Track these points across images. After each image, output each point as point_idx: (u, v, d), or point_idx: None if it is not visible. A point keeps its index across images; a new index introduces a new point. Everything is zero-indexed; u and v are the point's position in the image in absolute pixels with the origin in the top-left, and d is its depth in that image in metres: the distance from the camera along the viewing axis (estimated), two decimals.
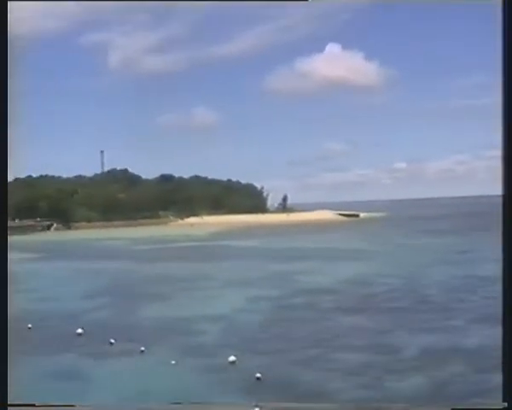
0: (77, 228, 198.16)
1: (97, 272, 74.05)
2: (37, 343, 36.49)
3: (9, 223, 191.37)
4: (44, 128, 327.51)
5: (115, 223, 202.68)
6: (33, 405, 15.35)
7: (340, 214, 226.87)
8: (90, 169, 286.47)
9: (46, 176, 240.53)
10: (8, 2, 6.78)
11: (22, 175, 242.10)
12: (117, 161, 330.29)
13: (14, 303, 51.01)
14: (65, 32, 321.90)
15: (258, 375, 26.64)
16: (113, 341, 35.80)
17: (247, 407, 19.30)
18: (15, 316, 45.47)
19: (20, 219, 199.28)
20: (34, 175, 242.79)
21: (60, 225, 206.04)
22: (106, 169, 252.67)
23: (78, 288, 60.56)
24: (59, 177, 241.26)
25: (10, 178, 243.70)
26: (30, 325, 40.81)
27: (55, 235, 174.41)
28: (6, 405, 6.74)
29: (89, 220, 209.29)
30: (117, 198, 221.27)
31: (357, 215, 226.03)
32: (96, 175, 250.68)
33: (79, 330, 38.67)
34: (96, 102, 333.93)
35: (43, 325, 42.03)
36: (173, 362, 30.39)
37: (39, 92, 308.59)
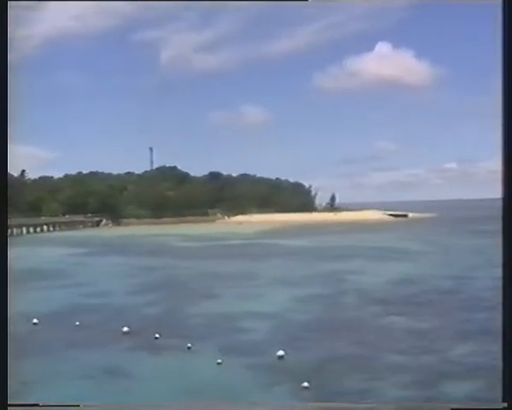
0: (126, 224, 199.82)
1: (146, 269, 74.51)
2: (85, 339, 36.76)
3: (60, 218, 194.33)
4: (94, 125, 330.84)
5: (164, 220, 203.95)
6: (36, 405, 15.34)
7: (389, 214, 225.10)
8: (139, 166, 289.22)
9: (96, 172, 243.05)
10: (8, 2, 6.69)
11: (73, 172, 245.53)
12: (166, 158, 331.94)
13: (65, 299, 51.88)
14: (117, 29, 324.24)
15: (306, 384, 26.16)
16: (159, 337, 35.92)
17: (253, 406, 19.12)
18: (63, 312, 46.10)
19: (70, 214, 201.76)
20: (84, 171, 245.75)
21: (109, 222, 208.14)
22: (155, 166, 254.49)
23: (127, 284, 60.97)
24: (109, 173, 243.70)
25: (60, 174, 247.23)
26: (78, 323, 41.13)
27: (105, 231, 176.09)
28: (6, 405, 6.59)
29: (138, 217, 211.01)
30: (166, 195, 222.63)
31: (406, 215, 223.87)
32: (145, 172, 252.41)
33: (126, 329, 38.87)
34: (146, 99, 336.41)
35: (91, 321, 42.32)
36: (219, 360, 30.32)
37: (90, 90, 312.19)
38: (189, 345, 33.40)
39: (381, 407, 19.51)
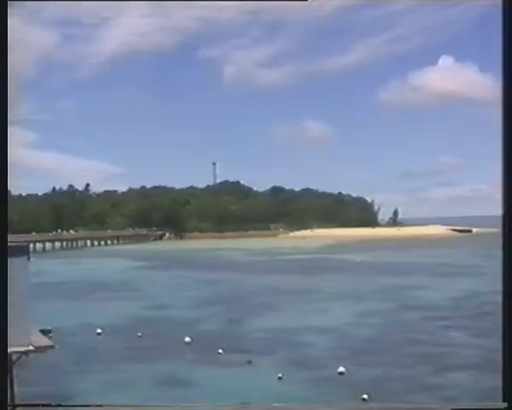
0: (189, 238, 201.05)
1: (208, 282, 74.84)
2: (148, 351, 37.11)
3: (124, 232, 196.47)
4: (158, 139, 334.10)
5: (227, 234, 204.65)
6: (39, 405, 15.49)
7: (453, 229, 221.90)
8: (202, 180, 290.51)
9: (160, 187, 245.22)
10: (8, 2, 6.72)
11: (136, 186, 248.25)
12: (229, 172, 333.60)
13: (127, 311, 52.49)
14: (181, 46, 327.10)
15: (365, 396, 25.86)
16: (221, 351, 36.03)
17: (253, 406, 19.01)
18: (127, 324, 46.63)
19: (134, 228, 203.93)
20: (148, 186, 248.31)
21: (172, 235, 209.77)
22: (218, 181, 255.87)
23: (189, 297, 61.32)
24: (172, 188, 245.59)
25: (124, 188, 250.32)
26: (140, 334, 41.61)
27: (168, 244, 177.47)
28: (6, 405, 6.63)
29: (201, 231, 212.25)
30: (229, 209, 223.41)
31: (470, 231, 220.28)
32: (208, 186, 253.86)
33: (188, 339, 39.13)
34: (210, 114, 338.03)
35: (153, 332, 42.72)
36: (280, 374, 30.26)
37: (154, 105, 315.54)
38: (250, 359, 33.44)
39: (380, 406, 19.31)
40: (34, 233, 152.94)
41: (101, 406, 14.69)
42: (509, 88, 6.19)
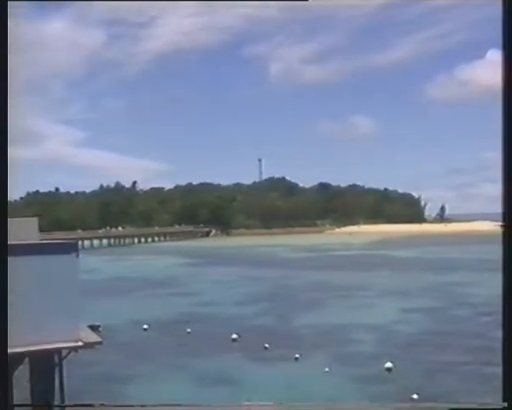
0: (235, 235, 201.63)
1: (255, 279, 74.97)
2: (196, 347, 37.30)
3: (170, 229, 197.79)
4: (204, 136, 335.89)
5: (273, 230, 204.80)
6: (37, 405, 15.66)
7: (501, 226, 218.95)
8: (248, 177, 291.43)
9: (206, 183, 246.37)
10: (8, 2, 6.72)
11: (183, 183, 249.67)
12: (275, 169, 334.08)
13: (174, 307, 52.85)
14: (225, 44, 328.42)
15: (415, 396, 25.60)
16: (268, 346, 36.08)
17: (254, 406, 18.97)
18: (176, 320, 46.92)
19: (181, 225, 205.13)
20: (194, 183, 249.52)
21: (218, 232, 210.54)
22: (264, 177, 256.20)
23: (236, 293, 61.51)
24: (218, 184, 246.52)
25: (171, 185, 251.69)
26: (189, 330, 41.91)
27: (214, 241, 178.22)
28: (6, 405, 6.68)
29: (247, 227, 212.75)
30: (275, 206, 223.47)
31: None
32: (254, 183, 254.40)
33: (234, 336, 39.26)
34: (256, 111, 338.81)
35: (200, 328, 42.95)
36: (327, 369, 30.21)
37: (200, 102, 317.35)
38: (297, 355, 33.43)
39: (380, 407, 19.09)
40: (80, 230, 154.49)
41: (103, 405, 14.86)
42: (510, 87, 6.10)
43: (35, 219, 23.81)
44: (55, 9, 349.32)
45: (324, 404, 18.75)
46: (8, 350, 17.54)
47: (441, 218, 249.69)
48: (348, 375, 30.10)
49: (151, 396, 26.23)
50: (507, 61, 6.16)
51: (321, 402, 23.35)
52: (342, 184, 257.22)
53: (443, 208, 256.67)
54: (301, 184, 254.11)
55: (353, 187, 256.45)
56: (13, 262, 18.55)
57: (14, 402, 20.81)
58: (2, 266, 6.57)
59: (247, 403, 21.65)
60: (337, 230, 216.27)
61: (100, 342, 19.72)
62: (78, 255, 19.52)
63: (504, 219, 6.50)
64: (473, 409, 12.26)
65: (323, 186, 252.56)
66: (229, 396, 26.56)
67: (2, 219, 6.41)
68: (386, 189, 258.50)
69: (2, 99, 6.45)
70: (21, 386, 20.44)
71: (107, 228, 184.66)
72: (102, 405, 17.85)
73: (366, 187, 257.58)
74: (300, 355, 33.34)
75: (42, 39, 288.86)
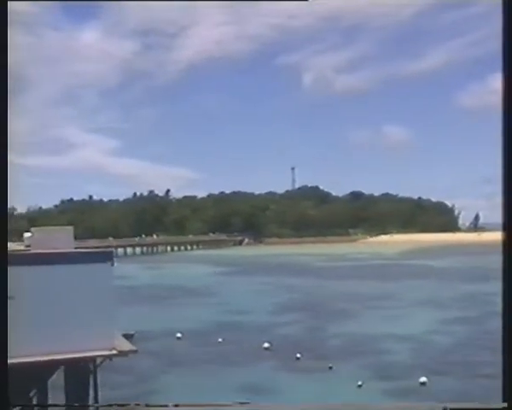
0: (268, 243, 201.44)
1: (287, 288, 74.93)
2: (229, 356, 37.40)
3: (203, 237, 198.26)
4: (237, 145, 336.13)
5: (305, 239, 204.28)
6: (36, 405, 15.73)
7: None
8: (281, 186, 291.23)
9: (238, 192, 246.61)
10: (8, 2, 6.80)
11: (216, 191, 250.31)
12: (308, 178, 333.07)
13: (207, 316, 52.92)
14: (256, 53, 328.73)
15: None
16: (300, 356, 36.06)
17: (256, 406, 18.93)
18: (209, 328, 47.08)
19: (213, 233, 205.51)
20: (227, 191, 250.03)
21: (251, 240, 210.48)
22: (297, 186, 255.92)
23: (269, 302, 61.50)
24: (251, 193, 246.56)
25: (204, 193, 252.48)
26: (221, 339, 42.05)
27: (247, 249, 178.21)
28: (6, 405, 6.76)
29: (280, 236, 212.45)
30: (308, 215, 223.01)
31: None
32: (287, 192, 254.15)
33: (266, 345, 39.30)
34: (289, 120, 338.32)
35: (232, 337, 43.03)
36: (360, 382, 30.12)
37: (232, 111, 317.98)
38: (330, 365, 33.38)
39: (380, 407, 18.99)
40: (111, 238, 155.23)
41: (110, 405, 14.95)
42: (509, 88, 6.12)
43: (70, 228, 24.11)
44: (88, 20, 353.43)
45: (325, 404, 18.62)
46: (44, 358, 17.80)
47: (475, 227, 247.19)
48: (381, 388, 29.95)
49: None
50: (507, 62, 6.19)
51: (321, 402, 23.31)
52: (375, 193, 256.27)
53: (477, 217, 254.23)
54: (334, 193, 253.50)
55: (386, 196, 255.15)
56: (49, 270, 18.83)
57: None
58: (1, 273, 6.68)
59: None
60: (369, 239, 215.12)
61: (134, 351, 19.88)
62: (113, 264, 19.73)
63: (504, 229, 6.52)
64: (473, 409, 12.20)
65: (356, 195, 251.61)
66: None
67: (3, 229, 6.50)
68: (419, 198, 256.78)
69: (2, 104, 6.56)
70: (57, 393, 20.70)
71: (142, 236, 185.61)
72: (137, 405, 17.99)
73: (399, 196, 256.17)
74: (333, 365, 33.29)
75: (75, 50, 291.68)
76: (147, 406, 17.61)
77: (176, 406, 10.34)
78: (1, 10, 6.58)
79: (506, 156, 6.27)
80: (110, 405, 14.61)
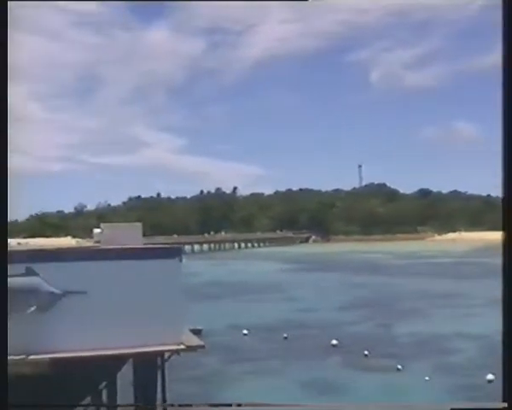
0: (335, 241, 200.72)
1: (355, 285, 74.57)
2: (297, 353, 37.39)
3: (270, 234, 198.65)
4: (303, 142, 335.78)
5: (373, 237, 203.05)
6: (35, 405, 15.76)
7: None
8: (348, 183, 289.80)
9: (305, 189, 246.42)
10: (8, 2, 6.79)
11: (282, 188, 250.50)
12: (375, 175, 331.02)
13: (274, 312, 53.01)
14: (322, 50, 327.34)
15: None
16: (367, 353, 35.84)
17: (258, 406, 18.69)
18: (276, 325, 47.12)
19: (280, 230, 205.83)
20: (294, 188, 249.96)
21: (318, 238, 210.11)
22: (364, 183, 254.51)
23: (336, 300, 61.29)
24: (318, 190, 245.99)
25: (271, 191, 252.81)
26: (285, 335, 42.05)
27: (314, 247, 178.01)
28: (6, 405, 6.76)
29: (346, 234, 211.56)
30: (376, 212, 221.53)
31: None
32: (353, 189, 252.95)
33: (334, 342, 39.17)
34: (356, 116, 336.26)
35: (300, 334, 43.00)
36: (427, 378, 29.77)
37: (299, 108, 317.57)
38: (398, 363, 33.11)
39: (380, 407, 18.62)
40: (175, 236, 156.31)
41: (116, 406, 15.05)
42: (510, 89, 5.98)
43: (139, 225, 24.42)
44: (157, 19, 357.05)
45: (325, 404, 18.43)
46: (113, 351, 18.05)
47: None
48: (449, 385, 29.57)
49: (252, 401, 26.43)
50: (507, 61, 6.05)
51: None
52: (443, 191, 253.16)
53: None
54: (401, 191, 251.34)
55: (455, 193, 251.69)
56: (119, 266, 19.12)
57: (118, 403, 21.47)
58: (2, 271, 6.72)
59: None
60: (438, 237, 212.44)
61: (202, 346, 20.01)
62: (181, 260, 19.88)
63: (504, 229, 6.37)
64: (473, 409, 11.97)
65: (424, 192, 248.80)
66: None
67: (2, 227, 6.53)
68: (488, 195, 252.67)
69: (3, 101, 6.61)
70: (125, 388, 20.98)
71: (211, 233, 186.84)
72: (211, 405, 18.11)
73: (468, 193, 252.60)
74: (402, 365, 32.99)
75: (144, 49, 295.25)
76: (210, 405, 17.74)
77: (239, 405, 10.39)
78: (1, 10, 6.64)
79: (506, 156, 6.15)
80: (22, 405, 14.73)
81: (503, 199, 6.29)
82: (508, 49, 6.07)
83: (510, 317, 6.28)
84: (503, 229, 6.46)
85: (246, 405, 17.78)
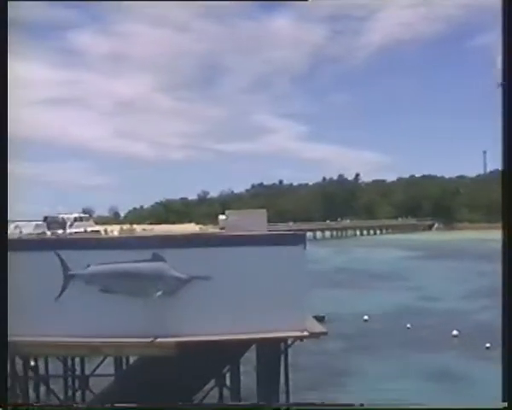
0: (459, 229, 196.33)
1: (479, 273, 72.95)
2: (416, 342, 37.17)
3: (392, 221, 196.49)
4: (427, 128, 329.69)
5: (499, 225, 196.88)
6: (32, 404, 15.85)
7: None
8: (472, 169, 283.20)
9: (429, 176, 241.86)
10: (8, 2, 6.90)
11: (405, 175, 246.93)
12: (500, 161, 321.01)
13: (396, 300, 52.69)
14: (446, 35, 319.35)
15: None
16: (489, 346, 35.14)
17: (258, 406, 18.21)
18: (396, 313, 46.86)
19: (402, 217, 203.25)
20: (417, 175, 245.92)
21: (441, 226, 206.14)
22: (488, 170, 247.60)
23: (460, 288, 60.33)
24: (441, 177, 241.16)
25: (393, 177, 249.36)
26: (409, 325, 41.76)
27: (437, 234, 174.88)
28: (6, 405, 6.90)
29: (471, 221, 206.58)
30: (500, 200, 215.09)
31: None
32: (478, 176, 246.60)
33: (455, 332, 38.63)
34: (481, 102, 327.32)
35: (421, 323, 42.65)
36: None
37: (422, 94, 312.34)
38: None
39: (380, 407, 17.89)
40: (291, 223, 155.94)
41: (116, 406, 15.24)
42: (510, 88, 5.83)
43: (264, 211, 24.84)
44: (279, 8, 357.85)
45: (325, 404, 18.14)
46: (237, 337, 18.46)
47: None
48: None
49: (374, 390, 26.55)
50: (507, 62, 5.92)
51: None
52: None
53: None
54: None
55: None
56: (243, 252, 19.50)
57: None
58: (1, 264, 6.94)
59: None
60: None
61: (325, 333, 20.19)
62: (305, 247, 20.04)
63: (504, 229, 6.29)
64: (473, 409, 11.59)
65: None
66: (452, 394, 26.25)
67: (3, 218, 6.75)
68: None
69: (2, 99, 6.84)
70: (248, 373, 21.43)
71: (334, 220, 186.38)
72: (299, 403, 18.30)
73: None
74: None
75: (267, 37, 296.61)
76: (259, 407, 18.00)
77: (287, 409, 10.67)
78: (1, 10, 6.87)
79: (506, 156, 6.08)
80: (21, 404, 15.06)
81: (503, 199, 6.30)
82: (508, 48, 6.01)
83: (510, 317, 6.24)
84: (503, 228, 6.48)
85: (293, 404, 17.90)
